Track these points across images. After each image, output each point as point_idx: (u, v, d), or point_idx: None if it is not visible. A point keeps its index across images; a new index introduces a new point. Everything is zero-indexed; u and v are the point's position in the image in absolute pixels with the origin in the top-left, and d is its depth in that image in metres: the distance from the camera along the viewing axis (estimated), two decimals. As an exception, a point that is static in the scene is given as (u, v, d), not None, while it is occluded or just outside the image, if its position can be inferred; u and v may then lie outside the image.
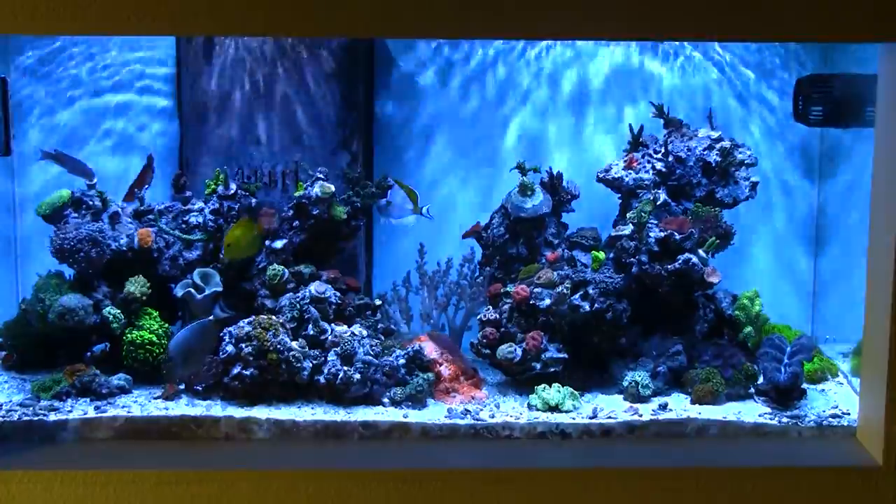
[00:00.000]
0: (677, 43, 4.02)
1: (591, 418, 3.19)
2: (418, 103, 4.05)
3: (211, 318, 3.29)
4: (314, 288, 3.49)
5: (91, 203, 3.61)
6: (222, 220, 3.63)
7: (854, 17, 2.75)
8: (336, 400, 3.27)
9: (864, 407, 3.12)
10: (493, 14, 2.74)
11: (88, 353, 3.41)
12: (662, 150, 3.76)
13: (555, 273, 3.49)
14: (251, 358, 3.23)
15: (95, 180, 3.61)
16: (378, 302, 3.66)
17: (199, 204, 3.68)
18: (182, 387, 3.31)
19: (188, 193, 3.72)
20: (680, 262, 3.47)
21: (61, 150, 3.62)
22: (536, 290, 3.46)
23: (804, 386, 3.38)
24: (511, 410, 3.27)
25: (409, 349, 3.41)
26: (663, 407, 3.25)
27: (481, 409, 3.24)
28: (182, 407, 3.21)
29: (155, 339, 3.44)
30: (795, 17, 2.76)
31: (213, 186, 3.67)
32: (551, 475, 2.90)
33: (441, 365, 3.45)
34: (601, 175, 3.79)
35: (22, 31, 2.72)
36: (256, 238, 3.57)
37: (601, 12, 2.76)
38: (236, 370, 3.24)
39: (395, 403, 3.27)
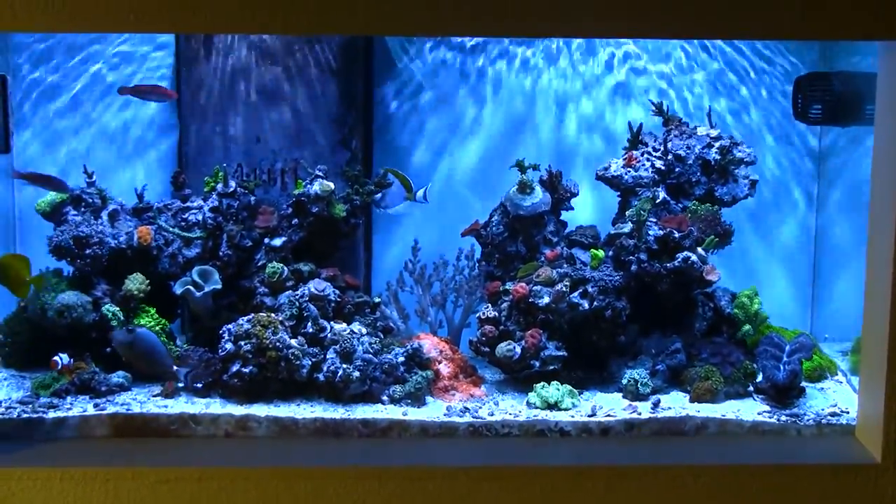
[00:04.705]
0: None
1: (590, 416, 3.19)
2: (418, 100, 4.05)
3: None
4: (313, 286, 3.49)
5: (90, 200, 3.62)
6: (221, 217, 3.63)
7: (854, 16, 2.76)
8: (335, 398, 3.27)
9: (862, 405, 3.13)
10: (490, 12, 2.74)
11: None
12: (661, 148, 3.76)
13: (554, 271, 3.49)
14: (250, 355, 3.23)
15: (70, 191, 3.60)
16: (377, 300, 3.67)
17: (199, 201, 3.68)
18: (181, 385, 3.31)
19: (187, 191, 3.72)
20: (679, 260, 3.47)
21: (57, 165, 3.61)
22: (535, 288, 3.46)
23: (803, 384, 3.38)
24: (510, 408, 3.27)
25: (408, 347, 3.42)
26: (656, 405, 3.25)
27: (480, 407, 3.24)
28: (181, 404, 3.21)
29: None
30: (795, 15, 2.76)
31: (212, 184, 3.67)
32: (550, 473, 2.91)
33: (440, 363, 3.45)
34: (600, 173, 3.79)
35: (21, 29, 2.73)
36: (19, 282, 3.24)
37: (599, 11, 2.76)
38: (235, 368, 3.24)
39: (395, 401, 3.27)
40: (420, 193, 3.67)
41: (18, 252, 3.81)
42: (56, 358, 3.28)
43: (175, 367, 3.34)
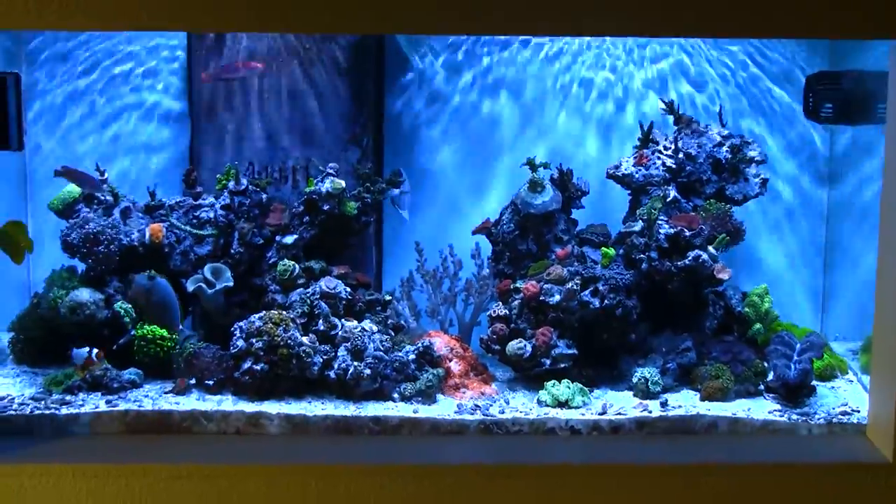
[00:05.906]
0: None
1: (600, 414, 3.19)
2: (428, 98, 4.05)
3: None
4: (324, 283, 3.50)
5: (102, 198, 3.64)
6: (233, 215, 3.64)
7: (864, 14, 2.75)
8: (346, 395, 3.28)
9: (873, 404, 3.12)
10: (496, 10, 2.75)
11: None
12: (672, 147, 3.76)
13: (565, 269, 3.50)
14: (262, 353, 3.24)
15: (103, 187, 3.63)
16: (388, 297, 3.67)
17: (210, 199, 3.69)
18: (193, 381, 3.33)
19: (199, 189, 3.73)
20: (689, 258, 3.47)
21: (70, 163, 3.63)
22: (546, 286, 3.47)
23: (814, 383, 3.38)
24: (521, 406, 3.27)
25: (419, 345, 3.42)
26: (663, 405, 3.25)
27: (491, 405, 3.25)
28: (193, 401, 3.22)
29: (166, 333, 3.45)
30: (805, 13, 2.76)
31: (223, 182, 3.68)
32: (561, 470, 2.91)
33: (451, 361, 3.46)
34: (611, 171, 3.79)
35: (33, 27, 2.75)
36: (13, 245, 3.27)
37: (601, 8, 2.76)
38: (247, 365, 3.26)
39: (405, 399, 3.28)
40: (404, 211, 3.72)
41: (31, 255, 3.84)
42: (91, 353, 3.31)
43: (179, 327, 3.43)
